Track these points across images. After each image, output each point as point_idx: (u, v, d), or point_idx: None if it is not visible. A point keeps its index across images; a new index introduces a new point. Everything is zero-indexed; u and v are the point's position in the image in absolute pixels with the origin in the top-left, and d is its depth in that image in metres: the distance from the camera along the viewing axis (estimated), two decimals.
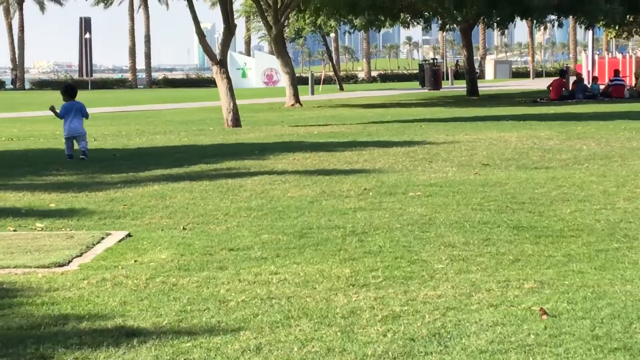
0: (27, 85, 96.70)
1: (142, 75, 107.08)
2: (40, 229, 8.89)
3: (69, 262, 7.23)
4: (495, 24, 43.78)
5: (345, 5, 38.36)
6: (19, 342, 4.97)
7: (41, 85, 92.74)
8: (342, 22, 46.86)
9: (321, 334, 5.04)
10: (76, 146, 15.81)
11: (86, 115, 16.19)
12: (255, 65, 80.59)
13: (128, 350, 4.80)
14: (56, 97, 55.09)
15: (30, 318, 5.47)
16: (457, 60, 61.37)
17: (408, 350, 4.74)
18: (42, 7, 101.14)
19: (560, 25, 47.77)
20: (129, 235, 8.40)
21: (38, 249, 7.69)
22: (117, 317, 5.46)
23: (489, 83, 70.09)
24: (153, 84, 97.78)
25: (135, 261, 7.16)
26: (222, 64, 24.95)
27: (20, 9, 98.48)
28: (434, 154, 15.05)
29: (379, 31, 49.69)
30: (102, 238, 8.21)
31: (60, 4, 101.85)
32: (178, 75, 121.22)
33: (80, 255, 7.50)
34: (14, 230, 8.79)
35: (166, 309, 5.62)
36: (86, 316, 5.48)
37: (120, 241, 8.08)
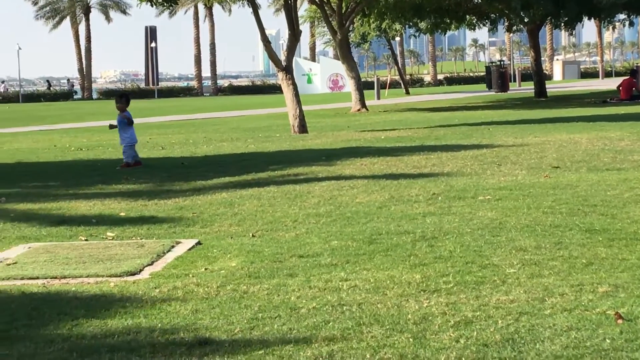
0: (95, 95, 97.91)
1: (207, 82, 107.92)
2: (111, 238, 9.00)
3: (141, 270, 7.31)
4: (562, 24, 43.38)
5: (410, 9, 38.30)
6: (93, 351, 5.03)
7: (108, 94, 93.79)
8: (407, 26, 46.79)
9: (393, 341, 5.03)
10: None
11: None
12: (321, 71, 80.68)
13: (201, 358, 4.84)
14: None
15: (103, 327, 5.54)
16: (502, 62, 60.85)
17: (481, 356, 4.72)
18: (107, 17, 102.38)
19: (631, 24, 47.15)
20: (199, 243, 8.47)
21: (110, 258, 7.79)
22: (189, 325, 5.51)
23: (557, 84, 69.43)
24: (219, 91, 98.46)
25: (205, 269, 7.22)
26: (287, 70, 25.05)
27: (87, 20, 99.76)
28: (502, 157, 14.95)
29: (445, 34, 49.52)
30: (173, 246, 8.29)
31: (126, 14, 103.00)
32: (243, 82, 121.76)
33: (151, 263, 7.58)
34: (86, 240, 8.91)
35: (238, 317, 5.65)
36: (159, 325, 5.54)
37: (190, 249, 8.15)
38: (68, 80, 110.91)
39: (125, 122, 16.28)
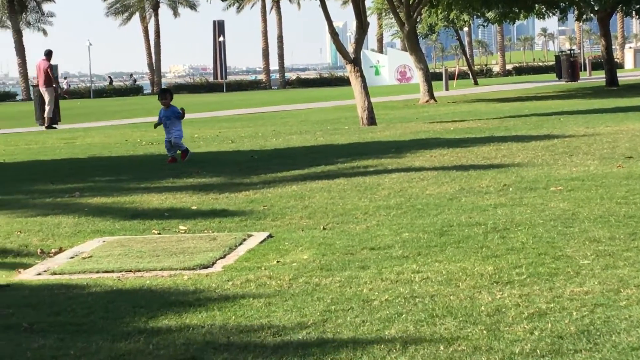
0: None
1: (275, 75, 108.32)
2: (183, 231, 9.09)
3: (213, 263, 7.38)
4: (634, 11, 42.75)
5: None
6: (168, 343, 5.10)
7: (177, 89, 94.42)
8: (475, 16, 46.47)
9: (467, 333, 5.02)
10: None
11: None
12: (388, 63, 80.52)
13: (275, 351, 4.87)
14: (189, 100, 56.02)
15: (178, 320, 5.60)
16: (572, 51, 60.19)
17: (556, 348, 4.69)
18: (176, 12, 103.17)
19: None
20: (270, 236, 8.52)
21: (182, 251, 7.87)
22: (263, 317, 5.55)
23: (629, 72, 68.48)
24: (286, 84, 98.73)
25: (277, 262, 7.27)
26: (355, 62, 25.03)
27: (156, 15, 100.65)
28: (574, 147, 14.81)
29: (513, 23, 49.06)
30: (244, 239, 8.35)
31: (194, 9, 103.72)
32: (311, 74, 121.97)
33: (224, 257, 7.64)
34: (159, 233, 9.01)
35: (310, 309, 5.68)
36: (232, 317, 5.59)
37: (261, 242, 8.21)
38: (130, 75, 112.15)
39: (178, 117, 16.23)
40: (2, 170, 16.55)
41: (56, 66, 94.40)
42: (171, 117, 16.18)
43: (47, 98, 31.86)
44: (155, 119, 17.00)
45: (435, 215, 9.12)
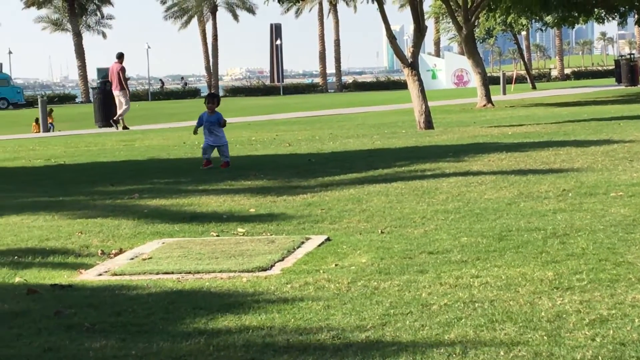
0: (221, 92, 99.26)
1: (332, 79, 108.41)
2: (241, 233, 9.13)
3: (272, 266, 7.41)
4: None
5: (537, 3, 37.74)
6: (228, 345, 5.12)
7: (234, 92, 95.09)
8: (533, 20, 46.14)
9: (527, 338, 4.99)
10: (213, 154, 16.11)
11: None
12: (445, 66, 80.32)
13: (335, 354, 4.87)
14: (245, 104, 56.27)
15: (237, 322, 5.63)
16: (632, 55, 59.46)
17: (619, 355, 4.64)
18: (235, 16, 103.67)
19: None
20: (328, 239, 8.53)
21: (241, 254, 7.90)
22: (322, 320, 5.56)
23: None
24: (343, 87, 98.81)
25: (336, 265, 7.27)
26: (413, 66, 24.98)
27: (214, 18, 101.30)
28: (634, 152, 14.64)
29: (572, 28, 48.68)
30: (302, 242, 8.37)
31: (252, 12, 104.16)
32: (367, 78, 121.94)
33: (282, 259, 7.67)
34: (217, 236, 9.06)
35: (369, 313, 5.68)
36: (292, 320, 5.60)
37: (320, 245, 8.22)
38: (182, 78, 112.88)
39: (221, 124, 15.98)
40: (63, 172, 16.75)
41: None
42: (215, 124, 15.95)
43: (123, 100, 32.11)
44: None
45: (494, 219, 9.07)
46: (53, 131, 41.34)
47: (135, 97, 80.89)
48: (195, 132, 16.80)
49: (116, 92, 32.26)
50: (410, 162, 14.83)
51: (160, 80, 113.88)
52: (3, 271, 7.66)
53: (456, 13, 37.54)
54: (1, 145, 26.18)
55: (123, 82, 32.09)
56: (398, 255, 7.50)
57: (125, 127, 32.42)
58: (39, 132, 38.52)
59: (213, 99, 16.35)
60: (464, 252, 7.51)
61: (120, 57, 32.53)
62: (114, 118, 32.59)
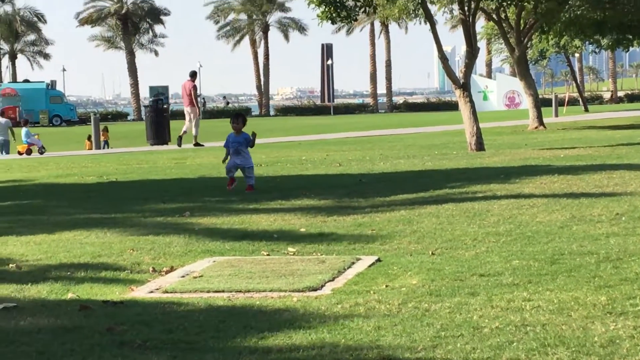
0: (272, 112, 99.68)
1: (382, 99, 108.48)
2: (292, 253, 9.16)
3: (322, 286, 7.41)
4: None
5: (591, 25, 37.53)
6: None
7: (285, 111, 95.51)
8: (587, 42, 45.87)
9: None
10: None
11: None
12: (497, 88, 79.92)
13: None
14: (296, 123, 56.32)
15: (288, 341, 5.64)
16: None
17: None
18: (286, 36, 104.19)
19: None
20: (378, 260, 8.53)
21: (292, 273, 7.92)
22: (372, 341, 5.55)
23: None
24: (394, 108, 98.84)
25: (386, 286, 7.26)
26: (465, 87, 24.94)
27: (265, 38, 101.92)
28: None
29: (627, 51, 48.32)
30: (353, 263, 8.37)
31: (303, 32, 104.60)
32: (418, 99, 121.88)
33: (333, 279, 7.67)
34: (268, 255, 9.09)
35: (420, 335, 5.66)
36: (342, 340, 5.60)
37: (370, 266, 8.22)
38: (224, 97, 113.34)
39: (248, 144, 15.49)
40: (115, 189, 16.90)
41: (166, 87, 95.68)
42: (242, 144, 15.42)
43: (193, 117, 32.41)
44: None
45: (546, 243, 9.01)
46: (107, 148, 41.80)
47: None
48: (225, 160, 15.66)
49: (187, 109, 32.68)
50: (461, 184, 14.78)
51: (203, 99, 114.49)
52: (56, 287, 7.74)
53: (508, 34, 37.42)
54: (54, 162, 26.48)
55: (194, 98, 32.41)
56: (449, 277, 7.47)
57: (197, 144, 32.44)
58: (92, 149, 38.93)
59: (237, 118, 15.67)
60: (516, 275, 7.46)
61: (194, 75, 33.03)
62: (194, 142, 32.71)
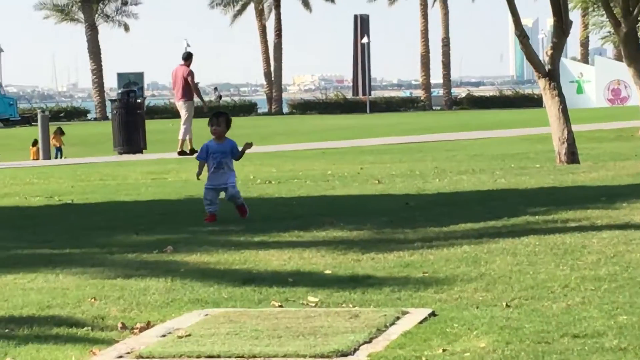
0: (285, 108, 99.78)
1: (438, 92, 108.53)
2: (313, 304, 9.16)
3: (355, 350, 7.41)
4: None
5: None
6: None
7: (304, 107, 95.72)
8: None
9: None
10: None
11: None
12: (596, 77, 79.94)
13: None
14: (318, 123, 56.64)
15: None
16: None
17: None
18: (306, 4, 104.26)
19: None
20: (432, 314, 8.52)
21: (313, 332, 7.92)
22: None
23: None
24: (453, 103, 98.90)
25: (443, 350, 7.26)
26: (551, 76, 24.88)
27: (277, 7, 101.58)
28: None
29: None
30: (398, 318, 8.37)
31: (332, 1, 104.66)
32: (487, 91, 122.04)
33: (370, 341, 7.67)
34: (280, 306, 9.09)
35: None
36: None
37: (421, 322, 8.21)
38: (215, 89, 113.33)
39: (235, 155, 14.96)
40: (70, 214, 16.96)
41: (140, 74, 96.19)
42: (227, 154, 14.80)
43: (183, 114, 32.33)
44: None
45: None
46: (60, 157, 42.00)
47: (169, 113, 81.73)
48: (199, 175, 15.17)
49: (179, 103, 32.55)
50: (547, 209, 14.76)
51: (215, 88, 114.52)
52: None
53: (612, 3, 37.35)
54: None
55: (194, 89, 32.36)
56: (530, 339, 7.46)
57: (182, 152, 32.50)
58: (39, 159, 39.20)
59: (219, 118, 14.97)
60: (623, 335, 7.45)
61: (188, 57, 32.90)
62: (179, 149, 32.69)
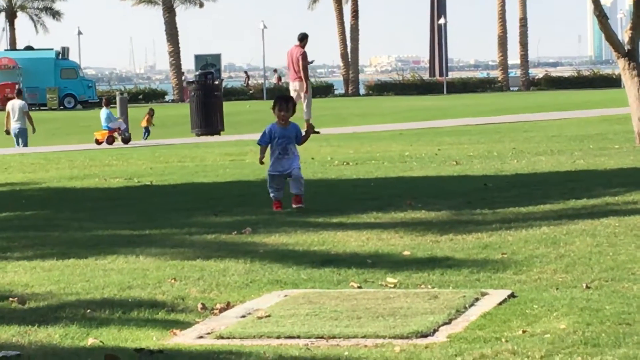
0: (362, 90, 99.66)
1: (515, 72, 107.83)
2: (392, 285, 9.15)
3: (435, 331, 7.41)
4: None
5: None
6: None
7: (380, 88, 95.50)
8: None
9: None
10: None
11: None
12: None
13: None
14: (395, 105, 56.52)
15: None
16: None
17: None
18: None
19: None
20: (512, 295, 8.49)
21: (392, 313, 7.92)
22: None
23: None
24: (531, 84, 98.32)
25: (523, 332, 7.23)
26: (631, 55, 24.64)
27: None
28: None
29: None
30: (477, 299, 8.35)
31: None
32: (565, 71, 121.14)
33: (449, 322, 7.66)
34: (359, 287, 9.10)
35: None
36: None
37: (501, 304, 8.19)
38: (245, 72, 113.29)
39: (299, 140, 14.53)
40: (150, 196, 17.07)
41: (218, 56, 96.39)
42: (291, 140, 14.36)
43: (302, 95, 32.45)
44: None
45: None
46: (146, 139, 42.23)
47: (245, 95, 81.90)
48: (262, 160, 14.74)
49: (295, 84, 32.71)
50: (627, 190, 14.64)
51: (245, 72, 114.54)
52: (72, 329, 7.84)
53: None
54: (68, 159, 26.78)
55: (303, 70, 32.45)
56: (611, 321, 7.41)
57: (312, 132, 32.44)
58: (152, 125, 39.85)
59: (288, 104, 14.55)
60: None
61: (303, 38, 33.00)
62: (306, 130, 32.72)
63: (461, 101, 64.75)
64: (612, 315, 7.57)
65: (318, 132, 32.05)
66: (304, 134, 14.83)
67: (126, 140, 36.48)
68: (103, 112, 37.65)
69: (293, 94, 32.23)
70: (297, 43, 32.80)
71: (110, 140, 36.05)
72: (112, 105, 39.97)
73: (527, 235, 11.39)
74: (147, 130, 45.08)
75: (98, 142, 35.99)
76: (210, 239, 12.00)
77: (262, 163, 14.83)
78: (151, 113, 46.06)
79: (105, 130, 36.81)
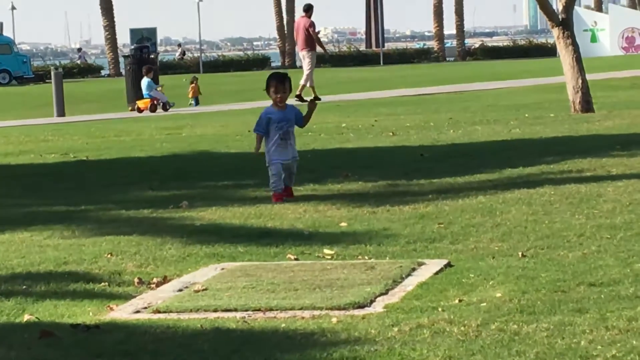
0: (298, 62, 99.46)
1: (451, 43, 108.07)
2: (329, 257, 9.17)
3: (371, 301, 7.44)
4: None
5: None
6: None
7: (317, 60, 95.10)
8: None
9: None
10: None
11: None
12: (610, 25, 79.50)
13: None
14: (332, 76, 56.34)
15: None
16: None
17: None
18: None
19: None
20: (449, 264, 8.55)
21: (329, 285, 7.95)
22: None
23: None
24: (467, 54, 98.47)
25: (460, 301, 7.27)
26: (565, 24, 24.76)
27: None
28: None
29: None
30: (413, 269, 8.39)
31: None
32: (501, 41, 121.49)
33: (386, 292, 7.69)
34: (296, 259, 9.11)
35: None
36: None
37: (437, 273, 8.23)
38: (179, 45, 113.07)
39: (300, 120, 13.19)
40: (86, 170, 17.00)
41: (153, 30, 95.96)
42: (291, 123, 13.01)
43: (306, 63, 33.89)
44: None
45: None
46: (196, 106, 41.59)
47: (182, 68, 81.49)
48: (258, 150, 13.03)
49: (302, 52, 34.30)
50: (562, 159, 14.73)
51: (179, 45, 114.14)
52: (8, 305, 7.81)
53: None
54: (3, 135, 26.62)
55: (315, 39, 34.14)
56: (546, 288, 7.47)
57: (300, 97, 32.32)
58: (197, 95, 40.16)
59: (285, 83, 13.11)
60: (639, 283, 7.45)
61: (308, 9, 34.68)
62: (298, 92, 32.67)
63: (398, 72, 64.75)
64: (548, 283, 7.62)
65: (319, 99, 31.99)
66: (308, 113, 13.30)
67: (167, 109, 36.20)
68: (144, 81, 37.25)
69: (303, 63, 33.49)
70: (303, 14, 33.89)
71: (153, 108, 35.78)
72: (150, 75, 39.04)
73: (464, 204, 11.43)
74: (196, 101, 43.90)
75: (140, 111, 35.58)
76: (147, 213, 11.96)
77: (258, 154, 13.10)
78: (195, 81, 44.77)
79: (147, 98, 36.47)
